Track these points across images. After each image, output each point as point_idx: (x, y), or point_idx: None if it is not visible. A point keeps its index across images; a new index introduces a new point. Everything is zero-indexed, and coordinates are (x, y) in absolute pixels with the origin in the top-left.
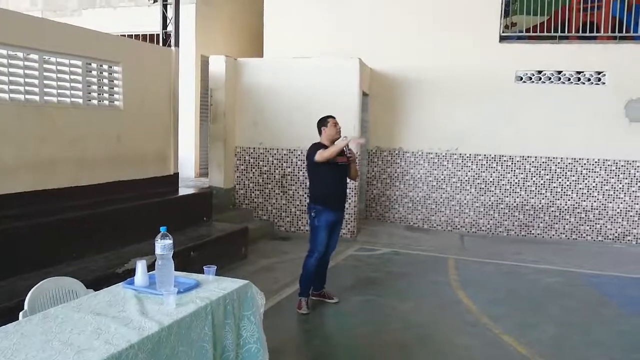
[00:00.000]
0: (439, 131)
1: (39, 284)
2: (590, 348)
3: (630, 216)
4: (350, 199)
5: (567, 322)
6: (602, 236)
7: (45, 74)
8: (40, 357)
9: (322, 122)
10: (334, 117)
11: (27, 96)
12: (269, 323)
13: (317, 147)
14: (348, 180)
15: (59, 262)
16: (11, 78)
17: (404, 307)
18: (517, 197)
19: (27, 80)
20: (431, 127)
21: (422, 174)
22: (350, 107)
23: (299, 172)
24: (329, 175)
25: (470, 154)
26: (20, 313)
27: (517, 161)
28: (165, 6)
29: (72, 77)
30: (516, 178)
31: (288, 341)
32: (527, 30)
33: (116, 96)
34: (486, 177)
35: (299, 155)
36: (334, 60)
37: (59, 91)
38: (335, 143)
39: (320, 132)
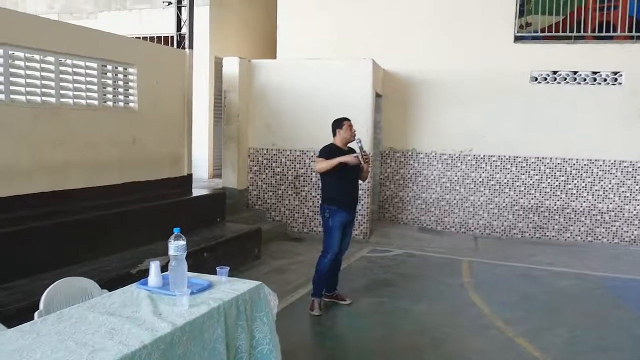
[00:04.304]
0: (453, 132)
1: (54, 284)
2: (604, 352)
3: None
4: (363, 200)
5: (582, 326)
6: (618, 238)
7: (61, 76)
8: (55, 356)
9: (338, 124)
10: (349, 120)
11: (43, 98)
12: (281, 324)
13: (328, 149)
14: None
15: (74, 262)
16: (28, 80)
17: (417, 310)
18: (532, 199)
19: (43, 82)
20: (445, 128)
21: (436, 175)
22: (363, 108)
23: (311, 174)
24: (342, 176)
25: (484, 155)
26: (36, 313)
27: (532, 162)
28: (179, 8)
29: (87, 79)
30: (531, 179)
31: (300, 343)
32: (542, 30)
33: (131, 98)
34: (500, 178)
35: (312, 156)
36: (347, 61)
37: (75, 93)
38: (343, 158)
39: (334, 134)
